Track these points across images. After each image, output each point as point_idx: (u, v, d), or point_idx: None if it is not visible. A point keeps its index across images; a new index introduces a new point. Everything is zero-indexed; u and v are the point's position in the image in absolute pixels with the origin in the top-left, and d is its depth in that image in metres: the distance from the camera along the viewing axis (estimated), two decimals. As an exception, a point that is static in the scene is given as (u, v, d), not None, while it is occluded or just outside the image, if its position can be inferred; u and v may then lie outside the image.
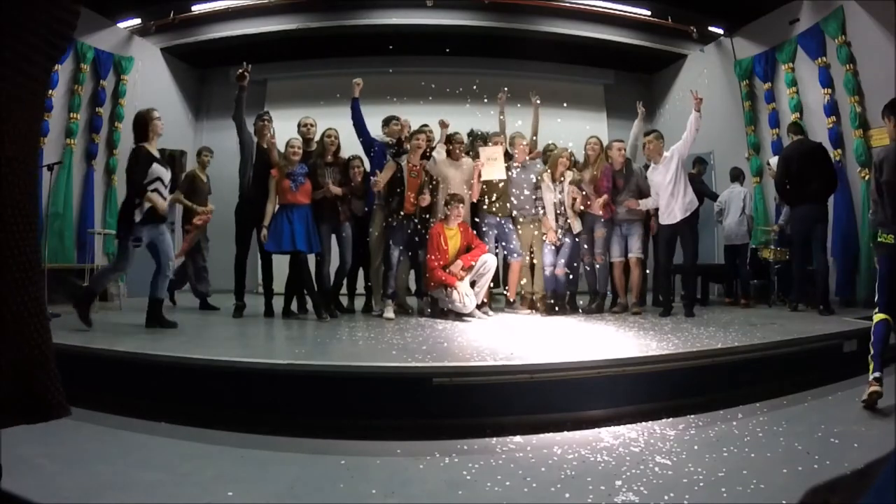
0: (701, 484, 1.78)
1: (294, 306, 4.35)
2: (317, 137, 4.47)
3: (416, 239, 4.39)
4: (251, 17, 6.38)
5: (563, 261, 4.40)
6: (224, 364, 2.60)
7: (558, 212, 4.46)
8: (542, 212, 4.50)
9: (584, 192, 4.50)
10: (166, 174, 3.57)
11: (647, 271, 4.78)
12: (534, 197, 4.55)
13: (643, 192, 4.60)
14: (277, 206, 4.09)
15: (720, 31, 6.36)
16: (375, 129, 4.67)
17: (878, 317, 2.78)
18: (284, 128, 4.43)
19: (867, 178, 4.74)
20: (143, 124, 3.55)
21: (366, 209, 4.55)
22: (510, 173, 4.54)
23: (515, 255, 4.46)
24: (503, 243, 4.53)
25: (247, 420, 2.36)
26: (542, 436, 2.28)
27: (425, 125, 4.79)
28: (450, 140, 4.52)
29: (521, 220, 4.56)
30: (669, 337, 3.27)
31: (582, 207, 4.49)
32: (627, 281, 4.63)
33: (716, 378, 2.81)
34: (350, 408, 2.47)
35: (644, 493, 1.73)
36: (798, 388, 2.87)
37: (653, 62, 7.24)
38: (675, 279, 5.81)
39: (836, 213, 4.97)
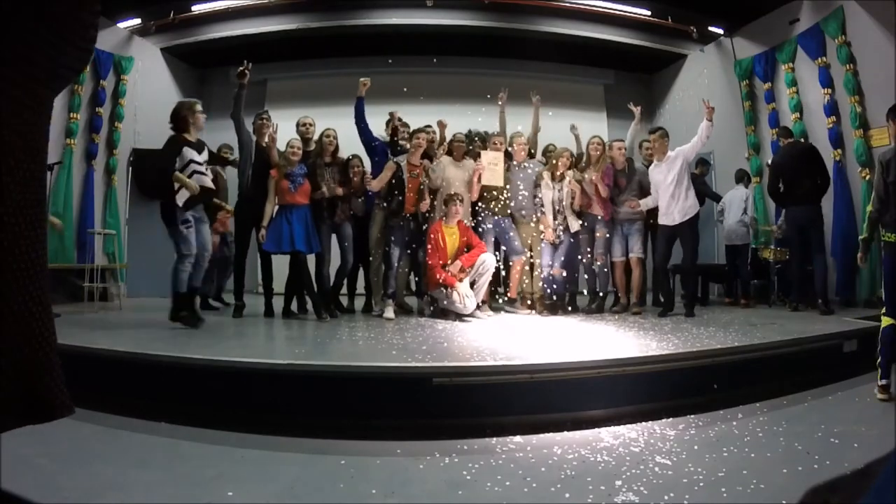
0: (701, 484, 1.78)
1: (294, 306, 4.35)
2: (315, 137, 4.47)
3: (416, 239, 4.39)
4: (251, 17, 6.37)
5: (560, 259, 4.40)
6: (224, 364, 2.60)
7: (557, 209, 4.46)
8: (541, 211, 4.50)
9: (581, 191, 4.50)
10: (199, 156, 3.55)
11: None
12: (534, 196, 4.55)
13: (645, 192, 4.60)
14: (277, 207, 4.09)
15: (720, 31, 6.36)
16: (376, 129, 4.67)
17: (885, 321, 2.78)
18: (284, 128, 4.43)
19: (867, 177, 4.74)
20: (182, 116, 3.52)
21: (366, 208, 4.55)
22: (509, 173, 4.54)
23: (517, 253, 4.45)
24: (504, 241, 4.52)
25: (247, 420, 2.36)
26: (542, 436, 2.28)
27: (428, 125, 4.80)
28: (452, 141, 4.58)
29: (520, 219, 4.56)
30: (669, 337, 3.27)
31: (578, 207, 4.49)
32: (628, 281, 4.63)
33: (716, 378, 2.81)
34: (350, 408, 2.47)
35: (644, 493, 1.73)
36: (798, 388, 2.87)
37: (653, 62, 7.23)
38: (675, 279, 5.84)
39: (836, 213, 4.97)
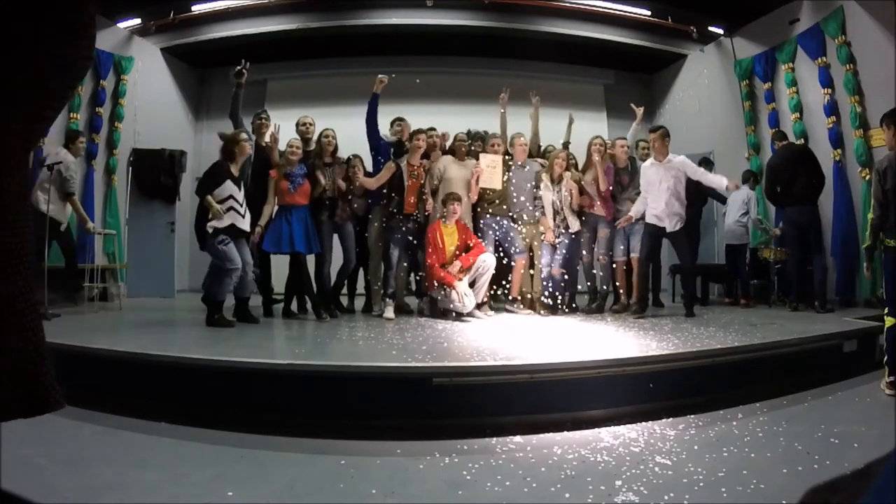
0: (701, 484, 1.78)
1: (294, 306, 4.35)
2: (315, 137, 4.47)
3: (416, 239, 4.39)
4: (251, 17, 6.37)
5: (560, 259, 4.39)
6: (224, 364, 2.60)
7: (556, 209, 4.46)
8: (541, 212, 4.50)
9: (581, 190, 4.50)
10: (239, 193, 3.69)
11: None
12: (534, 197, 4.55)
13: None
14: (276, 207, 4.09)
15: (720, 31, 6.35)
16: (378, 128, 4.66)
17: (889, 321, 2.81)
18: (284, 128, 4.43)
19: (867, 177, 4.74)
20: (230, 146, 3.70)
21: (367, 208, 4.55)
22: (510, 173, 4.54)
23: (518, 253, 4.45)
24: (505, 243, 4.52)
25: (247, 420, 2.36)
26: (542, 436, 2.28)
27: (432, 127, 4.80)
28: (454, 140, 4.60)
29: (521, 220, 4.56)
30: (669, 337, 3.27)
31: (577, 207, 4.49)
32: (629, 280, 4.62)
33: (716, 378, 2.81)
34: (350, 408, 2.47)
35: (644, 493, 1.73)
36: (798, 388, 2.88)
37: (653, 62, 7.23)
38: (676, 279, 5.84)
39: (836, 213, 4.97)
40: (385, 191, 4.39)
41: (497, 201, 4.51)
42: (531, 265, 4.61)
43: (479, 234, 4.43)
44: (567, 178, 4.47)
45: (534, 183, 4.56)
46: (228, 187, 3.64)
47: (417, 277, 4.64)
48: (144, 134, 6.21)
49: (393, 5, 6.35)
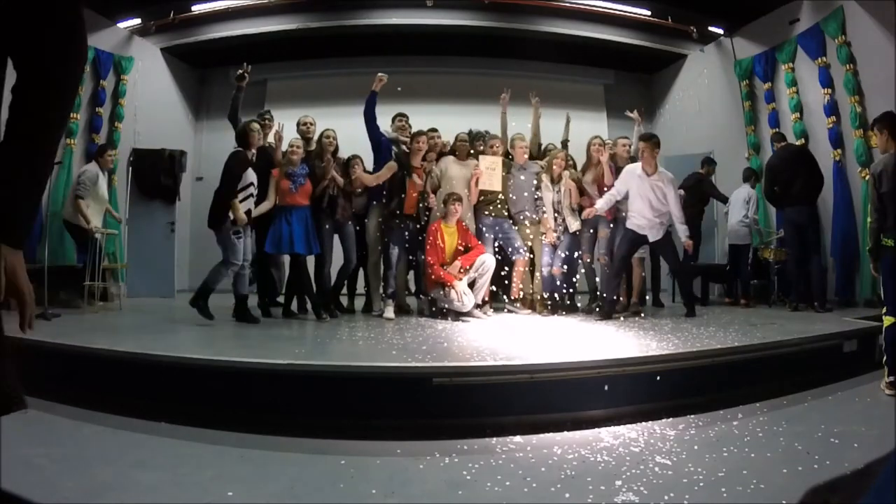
0: (701, 484, 1.78)
1: (294, 306, 4.35)
2: (315, 137, 4.47)
3: (416, 239, 4.39)
4: (251, 17, 6.37)
5: (560, 259, 4.39)
6: (224, 364, 2.60)
7: (556, 209, 4.46)
8: (542, 212, 4.50)
9: (580, 190, 4.50)
10: (255, 178, 3.84)
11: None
12: (535, 198, 4.55)
13: None
14: (275, 208, 4.09)
15: (720, 31, 6.35)
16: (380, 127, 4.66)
17: (887, 320, 2.81)
18: (287, 128, 4.43)
19: (867, 178, 4.74)
20: (243, 132, 3.86)
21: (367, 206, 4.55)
22: (510, 174, 4.54)
23: (519, 252, 4.44)
24: (505, 244, 4.51)
25: (247, 420, 2.36)
26: (542, 436, 2.28)
27: (433, 129, 4.80)
28: (456, 141, 4.61)
29: (522, 221, 4.56)
30: (669, 337, 3.27)
31: (577, 206, 4.49)
32: (629, 280, 4.62)
33: (716, 378, 2.81)
34: (350, 408, 2.47)
35: (644, 493, 1.73)
36: (798, 388, 2.88)
37: (653, 62, 7.23)
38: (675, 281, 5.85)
39: (836, 213, 4.97)
40: (385, 191, 4.40)
41: (497, 202, 4.50)
42: (531, 265, 4.60)
43: (479, 235, 4.42)
44: (566, 178, 4.47)
45: (535, 184, 4.55)
46: (250, 175, 3.80)
47: (416, 276, 4.65)
48: (144, 134, 6.20)
49: (393, 5, 6.35)
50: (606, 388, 2.56)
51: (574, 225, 4.45)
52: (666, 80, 7.31)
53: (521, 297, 4.61)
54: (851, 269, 4.89)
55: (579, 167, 4.92)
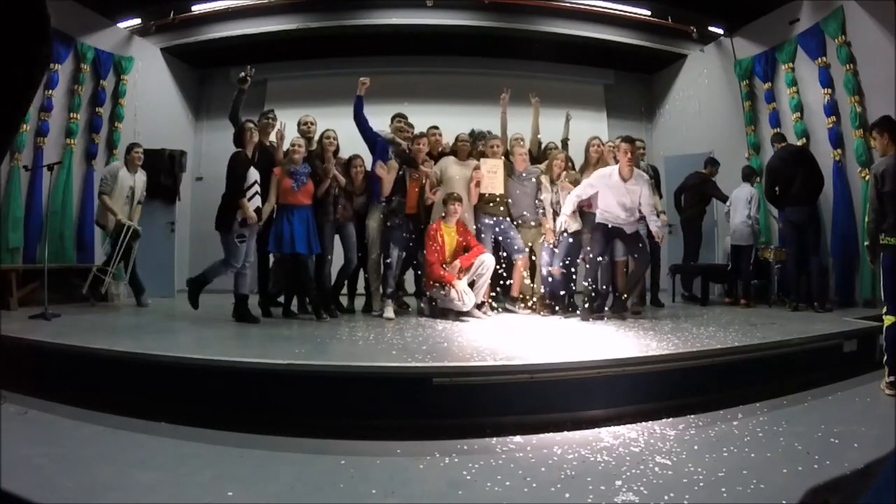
0: (701, 484, 1.78)
1: (294, 306, 4.35)
2: (316, 137, 4.48)
3: (416, 240, 4.39)
4: (251, 17, 6.36)
5: (560, 259, 4.39)
6: (224, 364, 2.60)
7: (555, 210, 4.46)
8: (542, 213, 4.49)
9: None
10: (258, 176, 3.89)
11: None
12: (535, 201, 4.55)
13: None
14: (277, 207, 4.09)
15: (720, 31, 6.35)
16: (375, 126, 4.66)
17: (888, 320, 2.82)
18: (289, 127, 4.43)
19: (867, 177, 4.74)
20: (240, 133, 3.90)
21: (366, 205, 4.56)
22: (511, 181, 4.53)
23: (518, 252, 4.44)
24: (505, 241, 4.51)
25: (247, 420, 2.36)
26: (542, 436, 2.28)
27: (434, 126, 4.80)
28: (457, 141, 4.61)
29: (523, 223, 4.55)
30: (669, 337, 3.27)
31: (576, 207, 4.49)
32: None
33: (716, 378, 2.81)
34: (350, 408, 2.47)
35: (644, 493, 1.73)
36: (798, 388, 2.88)
37: (653, 62, 7.23)
38: (676, 279, 5.85)
39: (836, 213, 4.97)
40: (384, 191, 4.40)
41: (496, 202, 4.49)
42: (531, 265, 4.60)
43: (478, 235, 4.42)
44: (562, 180, 4.47)
45: (536, 189, 4.54)
46: (253, 174, 3.84)
47: (417, 274, 4.64)
48: (144, 134, 6.19)
49: (393, 5, 6.35)
50: (606, 388, 2.56)
51: (573, 226, 4.45)
52: (666, 80, 7.31)
53: (520, 297, 4.61)
54: (851, 269, 4.89)
55: (578, 167, 4.93)
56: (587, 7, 6.37)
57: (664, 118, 7.30)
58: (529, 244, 4.56)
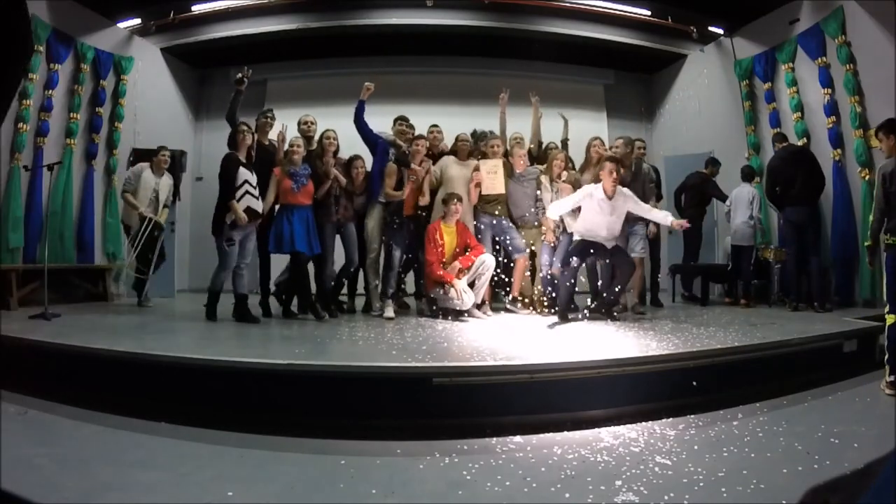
0: (701, 484, 1.78)
1: (294, 306, 4.35)
2: (316, 137, 4.48)
3: (415, 240, 4.39)
4: (251, 17, 6.37)
5: (559, 258, 4.38)
6: (224, 364, 2.60)
7: None
8: (542, 214, 4.49)
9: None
10: (253, 177, 3.89)
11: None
12: (535, 203, 4.55)
13: (646, 194, 4.59)
14: (277, 207, 4.10)
15: (720, 31, 6.36)
16: (376, 128, 4.66)
17: (890, 318, 2.83)
18: (289, 128, 4.44)
19: (867, 177, 4.75)
20: (232, 135, 3.96)
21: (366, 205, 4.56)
22: (511, 182, 4.52)
23: (518, 251, 4.44)
24: (505, 241, 4.51)
25: (247, 420, 2.36)
26: (542, 436, 2.28)
27: (435, 125, 4.80)
28: (457, 141, 4.61)
29: (523, 224, 4.54)
30: (669, 337, 3.27)
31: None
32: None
33: (716, 378, 2.81)
34: (350, 408, 2.47)
35: (644, 493, 1.73)
36: (798, 388, 2.88)
37: (653, 62, 7.23)
38: (676, 279, 5.86)
39: (836, 213, 4.97)
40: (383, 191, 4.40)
41: (495, 202, 4.49)
42: (532, 265, 4.60)
43: (477, 234, 4.42)
44: (562, 180, 4.47)
45: (538, 191, 4.54)
46: (242, 174, 3.84)
47: (417, 275, 4.64)
48: (144, 134, 6.21)
49: (393, 5, 6.35)
50: (606, 388, 2.56)
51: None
52: (666, 80, 7.31)
53: (520, 297, 4.61)
54: (851, 269, 4.89)
55: (578, 167, 4.93)
56: (587, 7, 6.37)
57: (664, 118, 7.31)
58: (531, 244, 4.55)
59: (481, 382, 2.50)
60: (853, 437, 2.19)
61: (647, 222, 4.63)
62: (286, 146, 4.16)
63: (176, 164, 5.91)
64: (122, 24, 6.01)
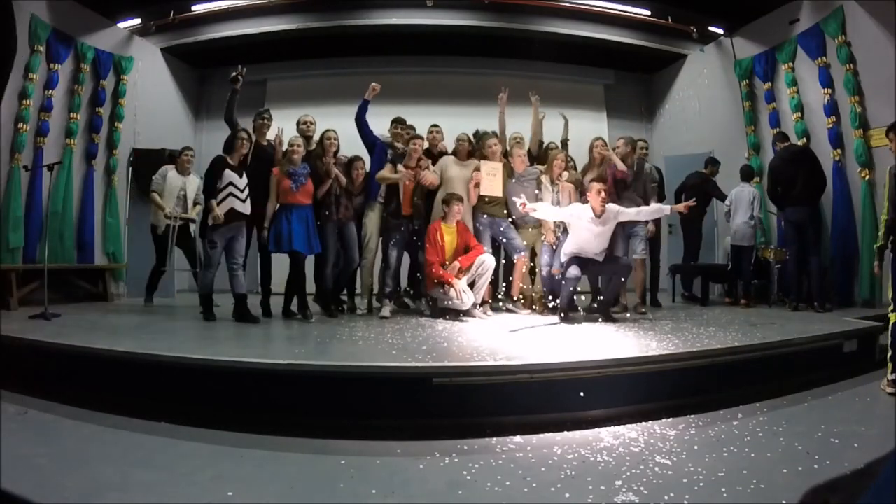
0: (701, 484, 1.78)
1: (294, 306, 4.35)
2: (316, 137, 4.48)
3: (414, 240, 4.39)
4: (251, 17, 6.38)
5: (560, 259, 4.38)
6: (224, 364, 2.60)
7: None
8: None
9: (577, 191, 4.50)
10: (240, 180, 3.93)
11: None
12: (535, 202, 4.54)
13: (648, 194, 4.59)
14: (277, 206, 4.10)
15: (720, 31, 6.36)
16: (375, 128, 4.66)
17: (893, 317, 2.82)
18: (285, 128, 4.43)
19: (867, 177, 4.75)
20: (230, 139, 3.99)
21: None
22: (511, 182, 4.52)
23: (518, 251, 4.44)
24: (504, 241, 4.51)
25: (247, 420, 2.36)
26: (542, 436, 2.28)
27: (434, 125, 4.80)
28: (456, 140, 4.60)
29: (523, 225, 4.54)
30: (669, 337, 3.27)
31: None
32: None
33: (716, 378, 2.82)
34: (350, 408, 2.47)
35: (644, 493, 1.73)
36: (798, 388, 2.88)
37: (653, 62, 7.23)
38: (676, 279, 5.85)
39: (836, 213, 4.97)
40: (383, 192, 4.40)
41: (494, 202, 4.49)
42: (532, 265, 4.60)
43: (476, 234, 4.41)
44: (564, 179, 4.47)
45: (538, 192, 4.53)
46: (227, 175, 3.89)
47: (417, 275, 4.64)
48: (144, 134, 6.21)
49: (393, 5, 6.35)
50: (606, 388, 2.56)
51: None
52: (666, 80, 7.31)
53: (520, 297, 4.61)
54: (851, 270, 4.89)
55: (579, 167, 4.92)
56: (587, 7, 6.38)
57: (664, 118, 7.31)
58: (531, 245, 4.55)
59: (481, 382, 2.50)
60: (853, 437, 2.19)
61: (646, 222, 4.63)
62: (286, 146, 4.16)
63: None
64: (122, 24, 6.01)
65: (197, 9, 6.23)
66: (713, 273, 5.68)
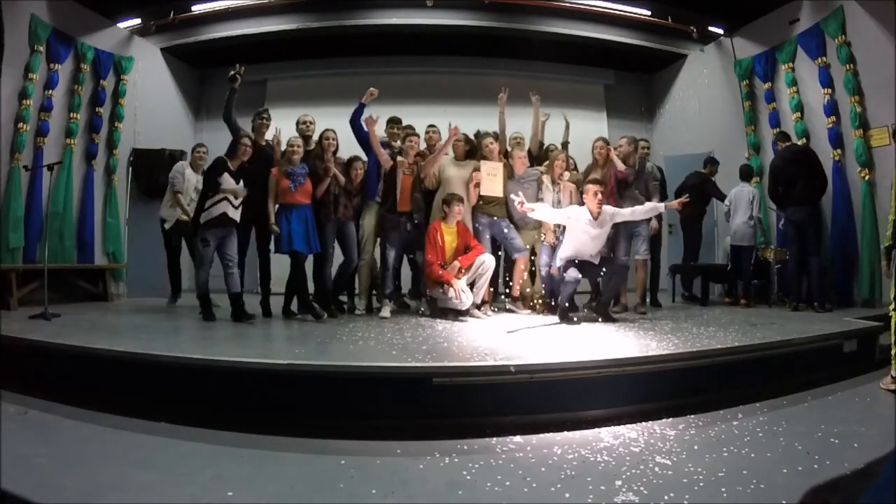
0: (701, 484, 1.78)
1: (294, 306, 4.35)
2: (315, 136, 4.48)
3: (412, 240, 4.39)
4: (251, 17, 6.38)
5: (559, 258, 4.38)
6: (224, 364, 2.60)
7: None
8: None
9: (578, 191, 4.49)
10: (239, 186, 3.95)
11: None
12: (536, 202, 4.54)
13: (650, 193, 4.59)
14: (276, 207, 4.10)
15: (720, 31, 6.36)
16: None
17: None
18: (284, 127, 4.44)
19: (867, 177, 4.75)
20: (234, 143, 4.02)
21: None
22: (511, 183, 4.52)
23: (518, 251, 4.44)
24: (504, 241, 4.51)
25: (247, 420, 2.36)
26: (542, 436, 2.28)
27: (432, 125, 4.81)
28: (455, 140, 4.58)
29: (524, 226, 4.54)
30: (669, 337, 3.27)
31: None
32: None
33: (716, 378, 2.81)
34: (350, 408, 2.47)
35: (644, 493, 1.73)
36: (798, 388, 2.88)
37: (653, 62, 7.23)
38: (676, 279, 5.85)
39: (836, 213, 4.97)
40: (381, 190, 4.40)
41: (494, 203, 4.48)
42: (532, 265, 4.60)
43: (475, 234, 4.41)
44: (565, 180, 4.47)
45: (538, 194, 4.53)
46: (225, 180, 3.90)
47: (417, 275, 4.64)
48: (144, 134, 6.21)
49: (393, 5, 6.36)
50: (606, 388, 2.56)
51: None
52: (666, 80, 7.31)
53: (520, 297, 4.61)
54: (851, 269, 4.89)
55: (580, 168, 4.92)
56: (587, 7, 6.38)
57: (664, 118, 7.31)
58: (530, 245, 4.55)
59: (481, 382, 2.50)
60: (853, 437, 2.19)
61: (648, 221, 4.63)
62: (284, 146, 4.16)
63: (176, 163, 5.93)
64: (122, 24, 6.01)
65: (197, 9, 6.23)
66: (713, 273, 5.68)
